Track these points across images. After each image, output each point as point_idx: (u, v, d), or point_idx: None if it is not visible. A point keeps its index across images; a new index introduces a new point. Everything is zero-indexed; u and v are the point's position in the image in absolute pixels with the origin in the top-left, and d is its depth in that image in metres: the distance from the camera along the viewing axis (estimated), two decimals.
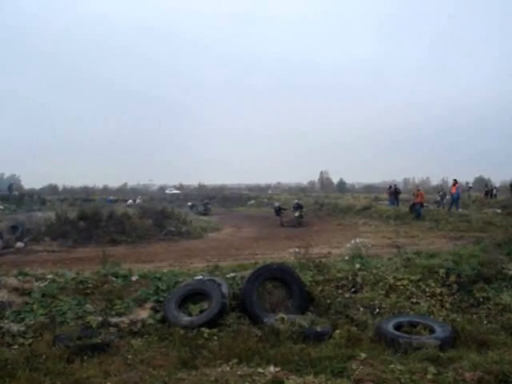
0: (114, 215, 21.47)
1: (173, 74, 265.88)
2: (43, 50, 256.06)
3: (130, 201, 42.14)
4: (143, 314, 7.12)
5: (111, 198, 50.83)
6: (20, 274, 7.94)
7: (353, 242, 10.42)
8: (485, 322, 7.05)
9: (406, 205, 29.15)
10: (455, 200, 26.28)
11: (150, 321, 6.92)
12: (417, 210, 24.16)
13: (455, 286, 8.01)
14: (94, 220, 20.34)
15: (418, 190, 25.48)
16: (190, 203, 42.12)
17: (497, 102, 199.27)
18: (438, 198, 32.18)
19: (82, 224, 19.94)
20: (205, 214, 35.73)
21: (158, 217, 22.88)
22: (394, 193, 32.60)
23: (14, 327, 6.51)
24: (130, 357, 5.67)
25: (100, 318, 6.78)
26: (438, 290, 7.88)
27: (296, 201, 30.03)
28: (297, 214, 26.45)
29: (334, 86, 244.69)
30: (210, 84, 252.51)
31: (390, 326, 6.25)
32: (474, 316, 7.29)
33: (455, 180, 26.79)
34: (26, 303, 7.12)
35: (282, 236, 20.84)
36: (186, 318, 6.85)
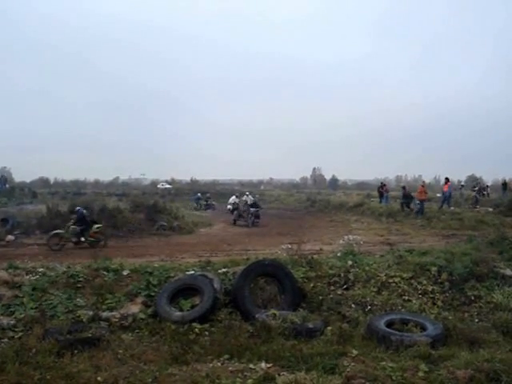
0: (105, 209, 21.42)
1: (167, 68, 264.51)
2: (40, 43, 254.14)
3: (233, 197, 31.33)
4: (134, 308, 7.10)
5: (199, 194, 40.58)
6: (10, 267, 7.90)
7: (345, 238, 10.45)
8: (476, 321, 7.10)
9: (397, 202, 29.14)
10: (447, 198, 26.14)
11: (141, 316, 6.90)
12: (421, 207, 24.14)
13: (447, 283, 8.06)
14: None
15: (423, 187, 25.46)
16: (229, 205, 30.43)
17: (490, 103, 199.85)
18: (474, 193, 30.08)
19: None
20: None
21: (149, 211, 22.80)
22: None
23: (4, 321, 6.47)
24: (120, 351, 5.65)
25: (91, 313, 6.76)
26: (430, 288, 7.94)
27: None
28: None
29: (327, 84, 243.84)
30: (203, 79, 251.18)
31: (381, 324, 6.26)
32: (466, 314, 7.36)
33: (447, 178, 26.71)
34: (16, 296, 7.09)
35: (273, 232, 20.85)
36: (177, 313, 6.84)
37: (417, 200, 24.69)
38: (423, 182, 31.58)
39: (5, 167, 74.58)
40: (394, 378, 4.75)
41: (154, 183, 75.42)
